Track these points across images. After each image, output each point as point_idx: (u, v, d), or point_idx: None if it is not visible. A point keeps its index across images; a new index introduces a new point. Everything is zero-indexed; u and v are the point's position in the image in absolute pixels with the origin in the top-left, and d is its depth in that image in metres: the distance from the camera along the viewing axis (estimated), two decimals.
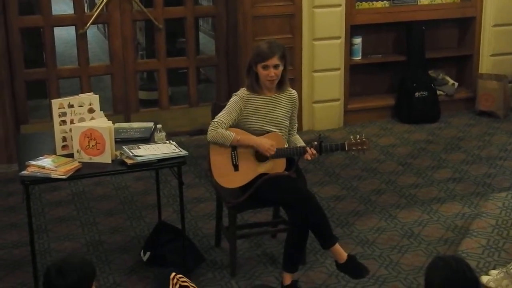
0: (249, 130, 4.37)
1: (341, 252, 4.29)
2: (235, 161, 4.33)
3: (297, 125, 4.62)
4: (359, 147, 4.41)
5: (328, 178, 6.12)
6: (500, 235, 4.84)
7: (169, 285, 3.28)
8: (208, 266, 4.70)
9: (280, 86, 4.42)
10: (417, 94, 7.55)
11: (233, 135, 4.27)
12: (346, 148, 4.39)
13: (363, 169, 6.31)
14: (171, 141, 4.39)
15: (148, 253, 4.68)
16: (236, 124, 4.37)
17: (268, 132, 4.37)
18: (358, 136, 4.43)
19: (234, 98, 4.40)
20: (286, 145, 4.46)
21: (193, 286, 3.37)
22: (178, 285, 3.29)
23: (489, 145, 6.90)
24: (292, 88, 4.57)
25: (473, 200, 5.62)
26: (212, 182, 4.62)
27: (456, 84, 7.98)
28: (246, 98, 4.38)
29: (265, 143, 4.28)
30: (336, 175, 6.19)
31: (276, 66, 4.31)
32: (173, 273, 3.31)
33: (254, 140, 4.30)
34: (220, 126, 4.28)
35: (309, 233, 4.31)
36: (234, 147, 4.31)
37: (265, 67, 4.31)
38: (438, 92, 7.72)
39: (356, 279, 4.38)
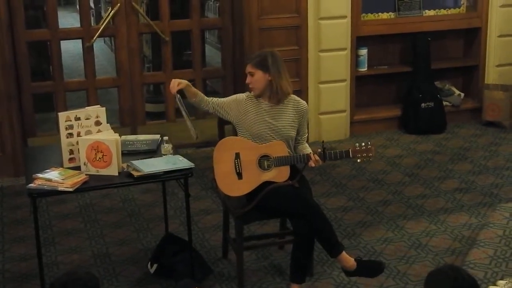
0: (251, 134, 4.42)
1: (348, 259, 4.29)
2: (239, 170, 4.35)
3: (306, 135, 4.64)
4: (364, 154, 4.40)
5: (335, 189, 6.12)
6: (508, 245, 4.82)
7: None
8: (215, 277, 4.70)
9: (274, 96, 4.45)
10: (423, 104, 7.56)
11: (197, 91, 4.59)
12: (351, 155, 4.39)
13: (370, 180, 6.31)
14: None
15: (155, 265, 4.69)
16: (243, 129, 4.46)
17: (272, 140, 4.40)
18: (363, 143, 4.43)
19: (240, 94, 4.62)
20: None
21: None
22: None
23: (496, 155, 6.89)
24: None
25: (480, 211, 5.61)
26: (218, 192, 4.64)
27: (462, 94, 7.98)
28: (250, 98, 4.51)
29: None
30: (343, 186, 6.19)
31: (250, 73, 4.46)
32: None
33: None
34: (212, 99, 4.57)
35: (315, 243, 4.31)
36: (237, 155, 4.34)
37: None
38: (444, 103, 7.73)
39: (375, 277, 4.39)
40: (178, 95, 4.48)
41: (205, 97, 4.59)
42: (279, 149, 4.37)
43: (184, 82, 4.49)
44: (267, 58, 4.42)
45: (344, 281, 4.55)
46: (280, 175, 4.36)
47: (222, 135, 4.70)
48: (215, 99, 4.58)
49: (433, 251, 4.98)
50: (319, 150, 4.38)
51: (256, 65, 4.43)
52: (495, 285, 4.29)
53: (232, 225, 4.70)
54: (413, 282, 4.58)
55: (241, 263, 4.54)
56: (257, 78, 4.42)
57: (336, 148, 4.44)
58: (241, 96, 4.56)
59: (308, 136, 4.73)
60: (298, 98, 4.57)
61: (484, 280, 4.37)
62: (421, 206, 5.73)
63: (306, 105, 4.59)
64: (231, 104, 4.53)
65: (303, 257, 4.30)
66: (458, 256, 4.89)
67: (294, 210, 4.25)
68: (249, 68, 4.46)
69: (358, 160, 4.44)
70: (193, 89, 4.56)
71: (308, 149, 4.54)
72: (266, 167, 4.35)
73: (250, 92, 4.53)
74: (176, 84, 4.45)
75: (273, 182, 4.33)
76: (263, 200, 4.31)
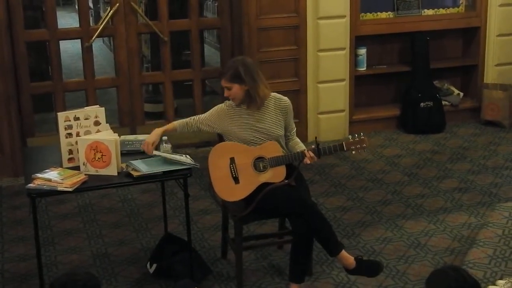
0: (240, 141, 4.42)
1: (348, 257, 4.30)
2: (235, 174, 4.34)
3: (295, 129, 4.64)
4: (358, 146, 4.41)
5: (334, 189, 6.12)
6: (507, 245, 4.82)
7: None
8: (214, 278, 4.70)
9: (254, 104, 4.44)
10: (422, 104, 7.56)
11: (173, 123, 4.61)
12: (345, 148, 4.39)
13: (369, 180, 6.31)
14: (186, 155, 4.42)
15: (154, 265, 4.69)
16: (232, 137, 4.46)
17: (262, 142, 4.41)
18: (356, 135, 4.43)
19: (219, 105, 4.58)
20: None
21: None
22: None
23: (495, 154, 6.89)
24: (297, 99, 4.61)
25: (479, 210, 5.61)
26: (215, 197, 4.63)
27: (461, 94, 7.99)
28: (231, 106, 4.50)
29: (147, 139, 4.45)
30: (342, 186, 6.19)
31: (227, 88, 4.43)
32: None
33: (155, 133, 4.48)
34: (194, 118, 4.57)
35: (314, 243, 4.31)
36: (232, 160, 4.34)
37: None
38: (443, 102, 7.73)
39: (373, 277, 4.40)
40: (155, 153, 4.41)
41: (185, 121, 4.58)
42: (273, 150, 4.37)
43: (156, 136, 4.44)
44: (239, 70, 4.39)
45: (344, 281, 4.55)
46: (276, 175, 4.35)
47: (220, 135, 4.69)
48: (196, 117, 4.59)
49: (432, 250, 4.98)
50: (313, 146, 4.38)
51: (231, 79, 4.41)
52: (494, 285, 4.29)
53: (231, 225, 4.70)
54: (412, 282, 4.58)
55: (240, 263, 4.53)
56: (234, 91, 4.41)
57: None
58: (221, 106, 4.55)
59: (305, 136, 4.72)
60: (279, 96, 4.56)
61: (483, 279, 4.37)
62: (420, 206, 5.73)
63: (288, 101, 4.57)
64: (213, 118, 4.53)
65: (302, 256, 4.30)
66: (458, 255, 4.89)
67: (291, 210, 4.25)
68: (224, 83, 4.44)
69: (353, 152, 4.44)
70: (170, 126, 4.58)
71: (300, 145, 4.55)
72: (261, 168, 4.35)
73: (229, 100, 4.52)
74: (150, 146, 4.40)
75: (271, 183, 4.33)
76: (261, 201, 4.31)
